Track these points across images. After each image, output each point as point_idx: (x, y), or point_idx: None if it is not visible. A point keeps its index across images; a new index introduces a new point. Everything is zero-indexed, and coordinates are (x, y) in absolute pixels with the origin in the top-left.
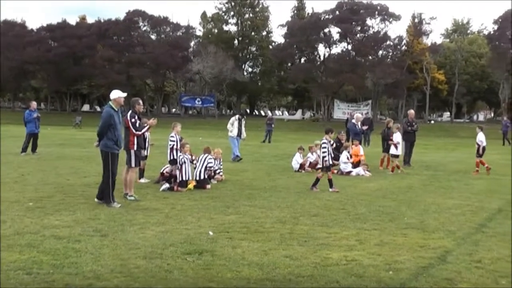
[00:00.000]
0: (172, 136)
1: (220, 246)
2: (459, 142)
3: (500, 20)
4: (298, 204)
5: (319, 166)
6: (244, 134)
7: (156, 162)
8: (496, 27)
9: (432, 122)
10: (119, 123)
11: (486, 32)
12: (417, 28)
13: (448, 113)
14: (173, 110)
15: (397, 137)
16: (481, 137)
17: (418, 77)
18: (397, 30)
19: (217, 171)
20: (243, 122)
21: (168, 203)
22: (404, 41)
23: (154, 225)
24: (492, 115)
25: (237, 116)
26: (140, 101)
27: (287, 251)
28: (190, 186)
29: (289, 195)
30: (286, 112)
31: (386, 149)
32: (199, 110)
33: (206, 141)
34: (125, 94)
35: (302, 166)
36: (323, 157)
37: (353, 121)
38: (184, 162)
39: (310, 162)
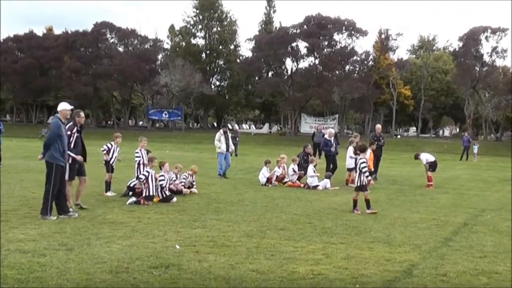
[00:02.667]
0: (137, 152)
1: (187, 260)
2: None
3: (465, 37)
4: (265, 218)
5: (355, 185)
6: (232, 147)
7: (122, 176)
8: (461, 44)
9: (399, 137)
10: (65, 135)
11: (451, 49)
12: (383, 44)
13: (414, 128)
14: (140, 123)
15: (350, 151)
16: (424, 158)
17: (384, 92)
18: (364, 45)
19: (193, 184)
20: (229, 136)
21: (135, 216)
22: (371, 57)
23: (121, 238)
24: (458, 130)
25: (221, 131)
26: (82, 114)
27: (253, 265)
28: (155, 200)
29: (256, 209)
30: (253, 126)
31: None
32: (166, 123)
33: (173, 154)
34: (71, 107)
35: (269, 179)
36: (367, 176)
37: (326, 136)
38: (151, 177)
39: (277, 176)
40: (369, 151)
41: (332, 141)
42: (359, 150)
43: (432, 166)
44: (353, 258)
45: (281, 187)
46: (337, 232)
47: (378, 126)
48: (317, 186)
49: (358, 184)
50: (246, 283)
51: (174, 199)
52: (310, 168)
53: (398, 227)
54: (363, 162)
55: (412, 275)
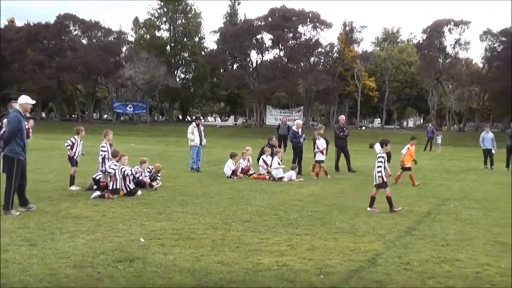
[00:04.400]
0: (103, 146)
1: (152, 253)
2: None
3: (428, 29)
4: (230, 210)
5: (375, 183)
6: (204, 141)
7: (87, 169)
8: (424, 36)
9: (363, 128)
10: (25, 129)
11: (415, 41)
12: (348, 36)
13: (379, 119)
14: (105, 116)
15: (322, 143)
16: (377, 148)
17: (349, 84)
18: (328, 37)
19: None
20: (202, 128)
21: (99, 210)
22: (336, 49)
23: (85, 233)
24: (422, 121)
25: (194, 124)
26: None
27: (219, 257)
28: (120, 194)
29: (221, 201)
30: (218, 118)
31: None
32: (131, 116)
33: (138, 147)
34: (33, 102)
35: (234, 172)
36: (379, 172)
37: (294, 128)
38: (116, 171)
39: (242, 168)
40: (407, 146)
41: (300, 133)
42: (380, 144)
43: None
44: (318, 249)
45: (247, 179)
46: (302, 223)
47: (342, 117)
48: (282, 178)
49: (378, 182)
50: (211, 275)
51: (139, 192)
52: (275, 160)
53: (362, 218)
54: (380, 157)
55: (376, 264)
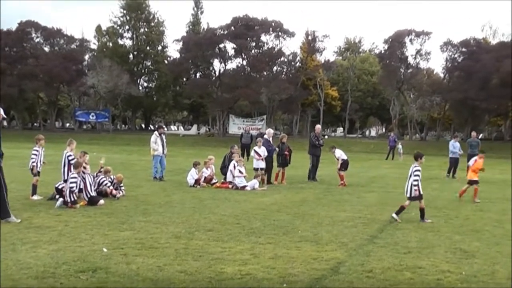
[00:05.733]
0: (70, 155)
1: (114, 263)
2: (352, 156)
3: (390, 40)
4: (193, 219)
5: (408, 195)
6: (165, 150)
7: (49, 178)
8: (386, 46)
9: (326, 137)
10: None
11: (377, 51)
12: (310, 45)
13: (341, 128)
14: (67, 124)
15: (263, 151)
16: (338, 154)
17: (312, 93)
18: (291, 46)
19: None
20: (164, 138)
21: (62, 220)
22: (298, 58)
23: (47, 243)
24: (384, 130)
25: (157, 133)
26: None
27: (182, 266)
28: (82, 204)
29: (184, 210)
30: (181, 127)
31: (281, 164)
32: (94, 125)
33: (100, 156)
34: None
35: (197, 181)
36: (415, 185)
37: (266, 136)
38: (77, 183)
39: (205, 177)
40: (474, 158)
41: (271, 141)
42: (414, 157)
43: (344, 164)
44: (281, 257)
45: (210, 188)
46: (265, 232)
47: (318, 126)
48: (245, 186)
49: (414, 194)
50: (174, 284)
51: (102, 201)
52: (238, 168)
53: (325, 226)
54: (417, 170)
55: (339, 273)
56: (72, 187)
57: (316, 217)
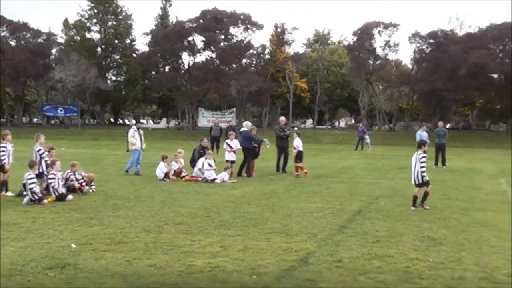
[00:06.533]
0: (40, 150)
1: (83, 259)
2: (322, 148)
3: (359, 32)
4: (163, 212)
5: (417, 182)
6: (144, 145)
7: (16, 175)
8: (355, 38)
9: (296, 128)
10: None
11: (346, 43)
12: (279, 38)
13: (311, 120)
14: (35, 119)
15: (236, 144)
16: (296, 142)
17: (281, 85)
18: (260, 39)
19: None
20: (142, 132)
21: (29, 217)
22: (267, 50)
23: (14, 240)
24: (353, 121)
25: (135, 127)
26: None
27: (151, 260)
28: (50, 200)
29: (153, 204)
30: (151, 121)
31: (252, 156)
32: (62, 120)
33: (69, 151)
34: None
35: (166, 174)
36: (423, 171)
37: (244, 128)
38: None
39: (175, 171)
40: None
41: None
42: (418, 145)
43: (298, 156)
44: (251, 249)
45: (179, 181)
46: (235, 224)
47: (283, 118)
48: (215, 179)
49: (424, 180)
50: (143, 278)
51: (70, 197)
52: (207, 161)
53: (295, 217)
54: (423, 157)
55: (308, 263)
56: (31, 188)
57: (286, 208)
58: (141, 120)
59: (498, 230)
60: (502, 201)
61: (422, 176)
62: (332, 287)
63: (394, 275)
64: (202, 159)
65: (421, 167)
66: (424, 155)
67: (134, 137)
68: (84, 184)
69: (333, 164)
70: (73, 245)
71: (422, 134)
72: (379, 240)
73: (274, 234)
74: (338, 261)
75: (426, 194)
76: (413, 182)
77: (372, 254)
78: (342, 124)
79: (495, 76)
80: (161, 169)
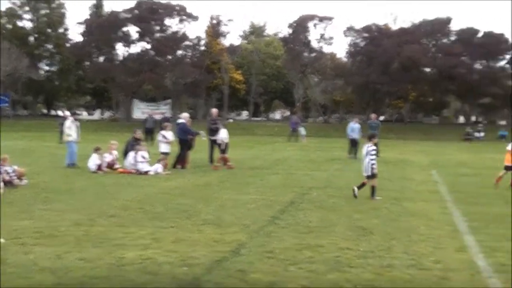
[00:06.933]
0: None
1: (12, 254)
2: (257, 139)
3: (294, 24)
4: (95, 205)
5: (367, 174)
6: (79, 137)
7: None
8: (290, 31)
9: (231, 120)
10: None
11: (281, 35)
12: (215, 29)
13: (246, 112)
14: None
15: (170, 135)
16: (223, 134)
17: (216, 77)
18: (196, 30)
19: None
20: (78, 124)
21: None
22: (203, 42)
23: None
24: (289, 113)
25: (72, 119)
26: None
27: (81, 253)
28: None
29: (86, 196)
30: (85, 112)
31: (187, 148)
32: None
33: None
34: None
35: (99, 167)
36: (373, 163)
37: (181, 120)
38: None
39: (108, 163)
40: None
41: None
42: (368, 137)
43: (224, 147)
44: (183, 241)
45: (112, 173)
46: (168, 216)
47: (214, 110)
48: (148, 171)
49: (373, 172)
50: (72, 272)
51: (1, 190)
52: (141, 153)
53: (228, 209)
54: (373, 150)
55: (240, 254)
56: None
57: (219, 200)
58: (77, 112)
59: (427, 219)
60: (432, 191)
61: (373, 168)
62: (262, 277)
63: (324, 264)
64: (132, 153)
65: (371, 160)
66: (374, 147)
67: (71, 129)
68: (14, 177)
69: (268, 155)
70: (2, 240)
71: (353, 126)
72: (311, 231)
73: (207, 225)
74: (269, 252)
75: (372, 187)
76: (363, 173)
77: (303, 245)
78: (278, 116)
79: (428, 70)
80: (94, 161)
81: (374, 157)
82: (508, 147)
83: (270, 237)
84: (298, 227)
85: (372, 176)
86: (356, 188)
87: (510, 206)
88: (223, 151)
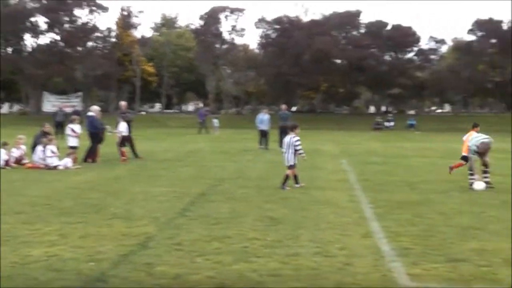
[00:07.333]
0: None
1: None
2: (169, 132)
3: (205, 16)
4: (1, 202)
5: (291, 163)
6: None
7: None
8: (202, 22)
9: (144, 113)
10: None
11: (193, 27)
12: (126, 21)
13: (159, 104)
14: None
15: (79, 128)
16: (121, 127)
17: (128, 69)
18: (106, 22)
19: None
20: None
21: None
22: (114, 33)
23: None
24: (202, 105)
25: None
26: None
27: None
28: None
29: None
30: None
31: (98, 141)
32: None
33: None
34: None
35: (6, 162)
36: (300, 153)
37: (91, 113)
38: None
39: (16, 158)
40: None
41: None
42: (290, 128)
43: (123, 140)
44: (91, 236)
45: (20, 169)
46: (76, 211)
47: (123, 103)
48: (57, 166)
49: (295, 162)
50: None
51: None
52: (49, 147)
53: (139, 202)
54: (297, 140)
55: (148, 247)
56: None
57: (130, 193)
58: None
59: (335, 207)
60: (341, 180)
61: (302, 157)
62: (169, 270)
63: (231, 255)
64: (40, 147)
65: (298, 150)
66: (298, 137)
67: None
68: None
69: (181, 147)
70: None
71: (262, 118)
72: (220, 222)
73: (116, 219)
74: (177, 244)
75: (287, 177)
76: (286, 164)
77: (212, 236)
78: (191, 108)
79: (338, 61)
80: (1, 157)
81: (300, 147)
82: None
83: (179, 229)
84: (208, 218)
85: (293, 166)
86: (299, 184)
87: (415, 192)
88: (123, 144)
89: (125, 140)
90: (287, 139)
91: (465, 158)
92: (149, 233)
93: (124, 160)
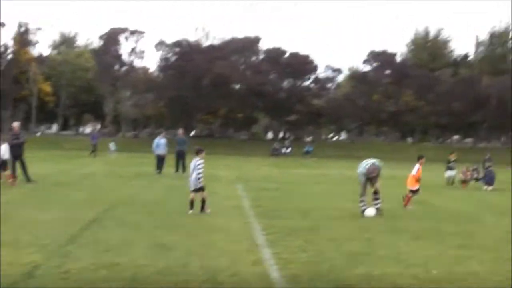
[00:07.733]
0: None
1: None
2: (65, 154)
3: (105, 36)
4: None
5: (195, 188)
6: None
7: None
8: (102, 42)
9: (39, 134)
10: None
11: (92, 47)
12: (23, 37)
13: (57, 125)
14: None
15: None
16: (2, 150)
17: (24, 87)
18: (3, 38)
19: None
20: None
21: None
22: (10, 50)
23: None
24: (99, 127)
25: None
26: None
27: None
28: None
29: None
30: None
31: None
32: None
33: None
34: None
35: None
36: (199, 177)
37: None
38: None
39: None
40: (418, 166)
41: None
42: (196, 152)
43: (2, 164)
44: None
45: None
46: None
47: (16, 123)
48: None
49: (200, 186)
50: None
51: None
52: None
53: (28, 228)
54: (199, 164)
55: (33, 276)
56: None
57: (19, 219)
58: None
59: (227, 234)
60: (235, 206)
61: (199, 182)
62: None
63: (120, 283)
64: None
65: (198, 174)
66: (201, 161)
67: None
68: None
69: (75, 170)
70: None
71: (159, 142)
72: (110, 249)
73: (2, 247)
74: (65, 273)
75: (203, 201)
76: (192, 188)
77: (100, 264)
78: (88, 130)
79: (237, 86)
80: None
81: (201, 171)
82: (413, 172)
83: (67, 257)
84: (97, 245)
85: (201, 189)
86: (193, 210)
87: (307, 219)
88: (3, 169)
89: (5, 164)
90: (192, 163)
91: (412, 191)
92: (36, 262)
93: (12, 182)
